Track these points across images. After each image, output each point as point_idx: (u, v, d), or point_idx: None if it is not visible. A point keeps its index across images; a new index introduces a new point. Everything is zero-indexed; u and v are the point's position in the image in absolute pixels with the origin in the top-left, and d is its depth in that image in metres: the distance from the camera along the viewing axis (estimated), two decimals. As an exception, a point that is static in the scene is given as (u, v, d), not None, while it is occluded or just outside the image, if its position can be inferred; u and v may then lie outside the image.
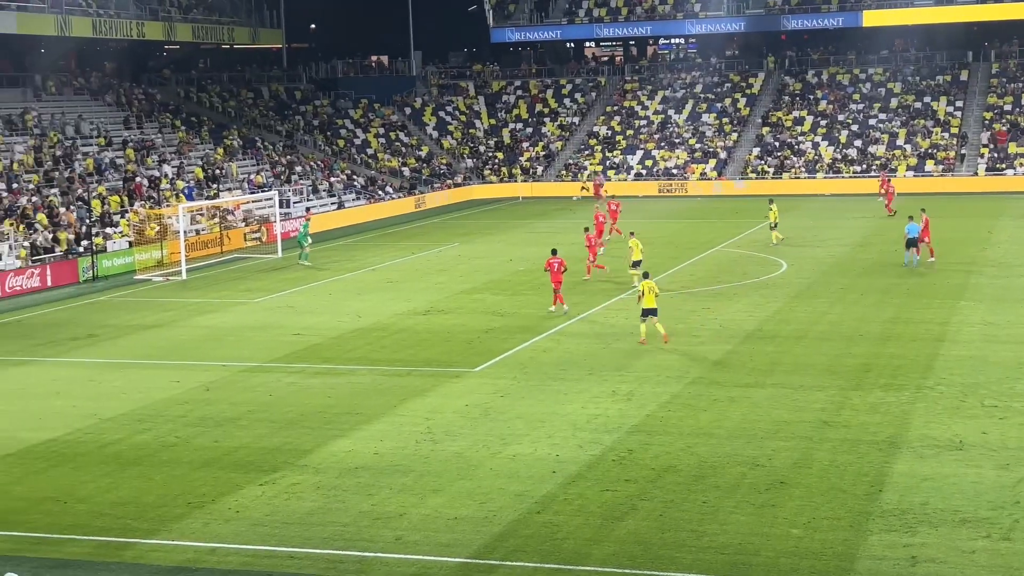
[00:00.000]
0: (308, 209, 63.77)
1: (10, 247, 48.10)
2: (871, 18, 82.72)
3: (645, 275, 33.63)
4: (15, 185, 54.32)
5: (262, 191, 63.96)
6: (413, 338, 34.33)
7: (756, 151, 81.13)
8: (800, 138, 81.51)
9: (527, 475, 21.48)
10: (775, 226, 50.93)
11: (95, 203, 54.36)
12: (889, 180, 65.68)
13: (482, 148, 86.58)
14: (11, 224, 49.78)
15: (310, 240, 50.84)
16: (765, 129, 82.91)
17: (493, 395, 27.28)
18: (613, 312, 37.23)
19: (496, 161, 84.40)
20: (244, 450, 23.57)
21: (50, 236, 49.73)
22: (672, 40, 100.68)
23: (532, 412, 25.69)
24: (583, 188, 76.66)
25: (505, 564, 17.63)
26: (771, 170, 78.45)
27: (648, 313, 31.89)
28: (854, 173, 76.49)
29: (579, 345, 32.57)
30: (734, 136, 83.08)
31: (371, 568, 17.67)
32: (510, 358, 31.20)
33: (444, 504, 20.13)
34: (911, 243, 43.51)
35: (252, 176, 67.82)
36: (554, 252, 37.20)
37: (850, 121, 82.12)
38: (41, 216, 51.29)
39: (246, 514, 19.95)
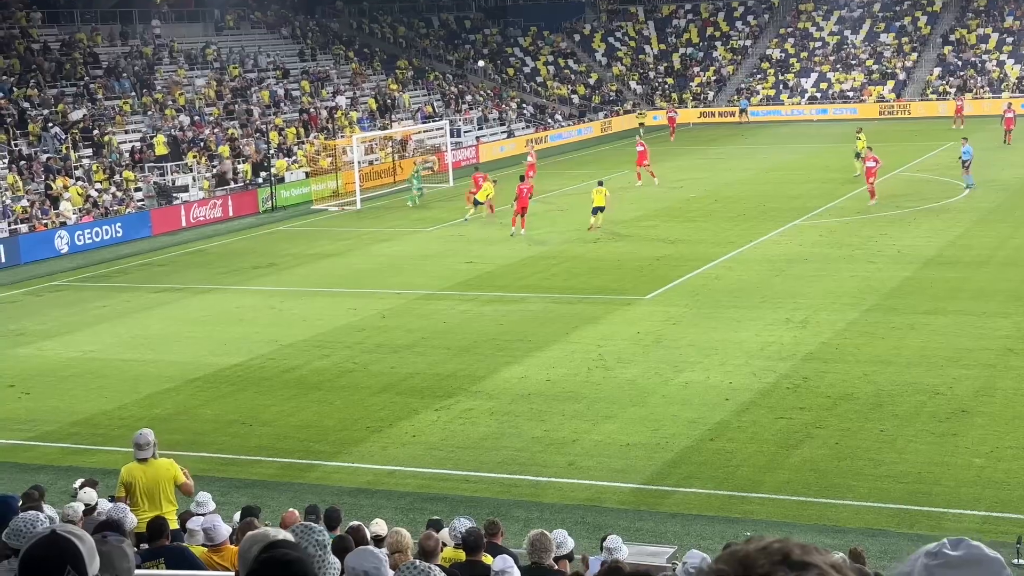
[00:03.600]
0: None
1: (194, 179, 49.67)
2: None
3: (599, 183, 39.86)
4: (196, 118, 55.96)
5: (433, 121, 64.52)
6: (583, 266, 34.38)
7: (937, 71, 78.32)
8: (984, 56, 78.34)
9: (700, 402, 21.39)
10: (860, 155, 48.81)
11: (273, 135, 55.64)
12: (1009, 106, 60.73)
13: (652, 74, 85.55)
14: (194, 156, 51.37)
15: (421, 190, 49.26)
16: (947, 48, 79.89)
17: (665, 322, 27.18)
18: (786, 239, 36.64)
19: (666, 87, 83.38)
20: (419, 376, 24.00)
21: (231, 167, 51.15)
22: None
23: (704, 339, 25.52)
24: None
25: (679, 490, 17.64)
26: (952, 90, 75.65)
27: (597, 210, 38.72)
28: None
29: (751, 272, 32.16)
30: (914, 56, 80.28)
31: (544, 492, 17.87)
32: (681, 285, 31.01)
33: (616, 430, 20.20)
34: (966, 165, 44.79)
35: (423, 106, 68.46)
36: (522, 179, 42.30)
37: (1038, 38, 78.59)
38: (224, 148, 52.77)
39: (422, 438, 20.36)
